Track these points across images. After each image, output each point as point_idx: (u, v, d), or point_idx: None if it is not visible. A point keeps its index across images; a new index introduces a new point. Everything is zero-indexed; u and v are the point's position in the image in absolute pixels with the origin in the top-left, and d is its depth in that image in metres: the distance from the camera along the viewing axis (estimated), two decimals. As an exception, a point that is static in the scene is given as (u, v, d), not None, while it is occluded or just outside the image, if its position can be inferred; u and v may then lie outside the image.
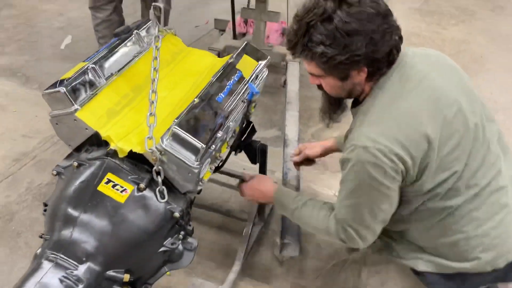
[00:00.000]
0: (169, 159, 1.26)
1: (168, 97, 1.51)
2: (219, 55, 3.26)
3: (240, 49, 1.55)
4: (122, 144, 1.31)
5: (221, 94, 1.37)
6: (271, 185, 1.55)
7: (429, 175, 1.18)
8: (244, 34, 3.29)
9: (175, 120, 1.25)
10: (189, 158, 1.25)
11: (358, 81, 1.23)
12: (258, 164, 1.81)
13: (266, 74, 1.62)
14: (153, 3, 1.32)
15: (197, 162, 1.25)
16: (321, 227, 1.36)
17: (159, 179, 1.29)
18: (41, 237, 1.30)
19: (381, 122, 1.19)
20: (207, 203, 2.07)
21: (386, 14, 1.16)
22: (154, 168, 1.27)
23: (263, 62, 1.57)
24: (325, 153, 1.77)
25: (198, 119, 1.27)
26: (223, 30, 3.41)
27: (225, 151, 1.50)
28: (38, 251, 1.27)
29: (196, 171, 1.25)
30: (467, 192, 1.22)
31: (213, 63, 1.64)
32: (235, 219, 2.02)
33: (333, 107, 1.40)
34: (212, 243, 2.02)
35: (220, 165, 1.50)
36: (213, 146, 1.31)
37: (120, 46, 1.54)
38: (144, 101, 1.43)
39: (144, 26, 1.62)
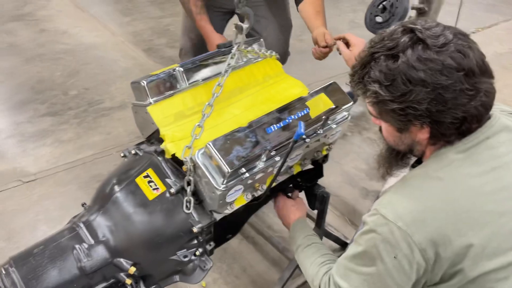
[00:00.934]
0: (201, 173, 1.26)
1: (239, 116, 1.51)
2: (352, 94, 3.14)
3: (321, 87, 1.46)
4: (170, 146, 1.36)
5: (274, 125, 1.31)
6: (299, 215, 1.48)
7: (463, 280, 0.92)
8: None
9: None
10: (216, 177, 1.22)
11: (419, 140, 1.03)
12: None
13: (346, 119, 1.49)
14: (236, 23, 1.33)
15: (223, 185, 1.22)
16: (311, 272, 1.23)
17: (188, 189, 1.29)
18: (82, 205, 1.44)
19: (418, 199, 0.97)
20: (266, 233, 2.00)
21: (473, 72, 0.91)
22: (186, 177, 1.29)
23: (343, 106, 1.44)
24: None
25: (235, 143, 1.23)
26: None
27: (272, 184, 1.42)
28: (75, 217, 1.41)
29: (219, 192, 1.22)
30: None
31: (301, 94, 1.58)
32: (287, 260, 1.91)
33: (390, 158, 1.19)
34: (257, 274, 1.95)
35: (263, 197, 1.42)
36: (247, 174, 1.25)
37: (215, 58, 1.60)
38: (214, 114, 1.45)
39: (248, 43, 1.66)
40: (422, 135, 1.00)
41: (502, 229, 0.92)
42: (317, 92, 1.43)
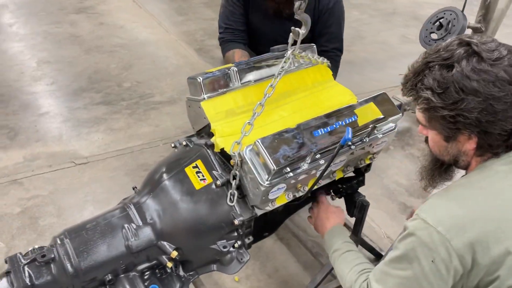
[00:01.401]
0: (247, 168, 1.31)
1: (286, 118, 1.57)
2: (400, 107, 3.12)
3: (370, 96, 1.48)
4: (220, 140, 1.43)
5: (322, 129, 1.35)
6: (338, 221, 1.50)
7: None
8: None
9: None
10: (261, 173, 1.28)
11: (465, 150, 1.05)
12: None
13: (393, 130, 1.51)
14: (293, 27, 1.38)
15: (267, 182, 1.27)
16: (349, 278, 1.24)
17: (233, 183, 1.35)
18: (133, 188, 1.53)
19: (459, 206, 0.98)
20: (302, 236, 2.03)
21: None
22: (232, 171, 1.35)
23: (391, 117, 1.46)
24: None
25: (282, 143, 1.28)
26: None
27: (314, 187, 1.45)
28: (126, 199, 1.51)
29: (263, 188, 1.27)
30: None
31: (349, 102, 1.61)
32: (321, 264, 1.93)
33: (434, 170, 1.21)
34: (289, 275, 1.98)
35: (303, 198, 1.46)
36: (291, 174, 1.30)
37: (268, 60, 1.66)
38: (262, 114, 1.51)
39: (302, 49, 1.71)
40: (469, 145, 1.02)
41: None
42: (366, 101, 1.46)
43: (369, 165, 1.67)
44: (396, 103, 3.04)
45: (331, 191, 1.70)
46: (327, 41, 2.23)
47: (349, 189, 1.64)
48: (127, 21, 4.71)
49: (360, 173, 1.67)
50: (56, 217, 2.18)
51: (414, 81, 1.05)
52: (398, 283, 1.04)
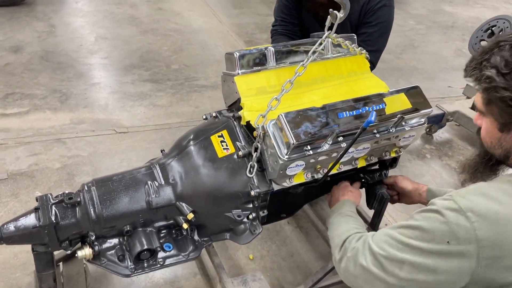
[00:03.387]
0: (268, 142, 1.35)
1: (316, 102, 1.58)
2: (443, 116, 3.04)
3: (403, 87, 1.47)
4: (247, 114, 1.47)
5: (347, 112, 1.35)
6: (353, 199, 1.48)
7: None
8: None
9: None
10: (281, 147, 1.30)
11: None
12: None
13: (422, 125, 1.49)
14: (331, 10, 1.39)
15: (286, 156, 1.30)
16: (341, 230, 1.25)
17: (254, 155, 1.39)
18: (161, 151, 1.61)
19: (498, 201, 0.93)
20: (321, 227, 2.04)
21: None
22: (254, 143, 1.39)
23: (421, 111, 1.44)
24: (411, 194, 1.57)
25: (305, 119, 1.30)
26: (469, 98, 3.16)
27: (334, 170, 1.46)
28: (153, 159, 1.58)
29: (281, 162, 1.30)
30: None
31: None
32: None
33: (479, 164, 1.14)
34: (303, 261, 1.99)
35: (321, 180, 1.47)
36: (311, 151, 1.31)
37: (307, 45, 1.69)
38: (293, 95, 1.54)
39: (342, 36, 1.72)
40: None
41: None
42: (398, 91, 1.45)
43: (395, 160, 1.65)
44: (439, 112, 2.97)
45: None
46: (363, 41, 2.16)
47: (371, 180, 1.63)
48: (184, 9, 4.87)
49: (385, 166, 1.66)
50: (91, 176, 2.29)
51: (480, 59, 0.99)
52: (398, 246, 0.99)
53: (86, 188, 1.42)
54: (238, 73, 1.57)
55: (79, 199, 1.38)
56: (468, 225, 0.90)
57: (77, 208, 1.38)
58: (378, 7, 2.17)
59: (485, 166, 1.15)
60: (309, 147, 1.32)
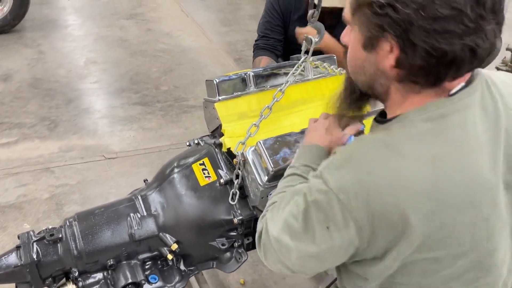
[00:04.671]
0: (249, 168, 1.34)
1: (298, 125, 1.56)
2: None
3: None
4: (228, 140, 1.47)
5: (326, 136, 1.35)
6: (318, 141, 1.14)
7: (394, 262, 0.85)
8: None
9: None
10: (261, 174, 1.30)
11: (383, 68, 0.84)
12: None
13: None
14: (306, 35, 1.40)
15: (266, 182, 1.29)
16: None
17: (236, 182, 1.39)
18: (144, 181, 1.60)
19: (370, 171, 0.82)
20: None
21: (484, 3, 0.73)
22: (235, 171, 1.38)
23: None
24: None
25: (284, 145, 1.30)
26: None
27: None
28: (136, 190, 1.58)
29: (261, 189, 1.29)
30: None
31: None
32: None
33: (344, 99, 1.04)
34: (295, 284, 1.97)
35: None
36: (291, 177, 1.31)
37: (286, 68, 1.69)
38: (274, 119, 1.54)
39: (321, 58, 1.72)
40: (388, 61, 0.82)
41: (453, 222, 0.81)
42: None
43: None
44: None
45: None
46: None
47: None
48: (173, 29, 4.90)
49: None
50: (80, 205, 2.30)
51: None
52: (289, 235, 0.91)
53: (68, 223, 1.41)
54: (219, 99, 1.57)
55: (60, 235, 1.37)
56: (342, 207, 0.82)
57: (59, 245, 1.37)
58: None
59: (350, 101, 1.04)
60: (289, 173, 1.32)
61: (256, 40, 2.43)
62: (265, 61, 2.27)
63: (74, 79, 3.66)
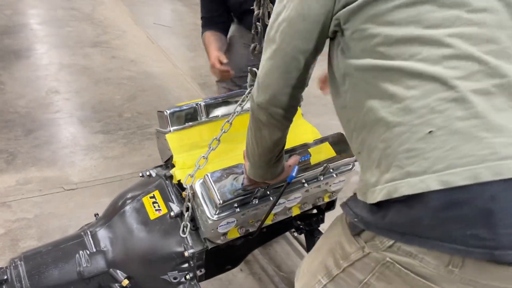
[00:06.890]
0: (198, 201, 1.34)
1: (249, 154, 1.60)
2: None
3: (327, 136, 1.51)
4: (178, 172, 1.47)
5: (273, 166, 1.37)
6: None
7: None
8: None
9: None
10: (210, 207, 1.31)
11: None
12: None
13: (350, 170, 1.52)
14: (250, 67, 1.44)
15: (216, 215, 1.30)
16: None
17: (186, 215, 1.38)
18: (95, 215, 1.58)
19: None
20: (270, 271, 2.02)
21: None
22: (185, 203, 1.38)
23: (345, 159, 1.48)
24: None
25: (232, 178, 1.31)
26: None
27: (269, 221, 1.47)
28: (87, 225, 1.55)
29: (210, 221, 1.30)
30: None
31: (311, 141, 1.64)
32: None
33: None
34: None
35: (256, 233, 1.47)
36: (238, 209, 1.32)
37: (238, 97, 1.72)
38: (227, 148, 1.55)
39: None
40: None
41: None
42: (322, 141, 1.49)
43: (332, 203, 1.67)
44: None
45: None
46: None
47: (308, 226, 1.64)
48: (138, 55, 4.90)
49: (321, 211, 1.68)
50: (37, 240, 2.24)
51: None
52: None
53: (13, 264, 1.37)
54: (170, 130, 1.58)
55: (6, 277, 1.33)
56: None
57: (4, 286, 1.33)
58: None
59: None
60: (237, 204, 1.33)
61: (201, 19, 2.44)
62: (209, 36, 2.34)
63: (34, 109, 3.59)
